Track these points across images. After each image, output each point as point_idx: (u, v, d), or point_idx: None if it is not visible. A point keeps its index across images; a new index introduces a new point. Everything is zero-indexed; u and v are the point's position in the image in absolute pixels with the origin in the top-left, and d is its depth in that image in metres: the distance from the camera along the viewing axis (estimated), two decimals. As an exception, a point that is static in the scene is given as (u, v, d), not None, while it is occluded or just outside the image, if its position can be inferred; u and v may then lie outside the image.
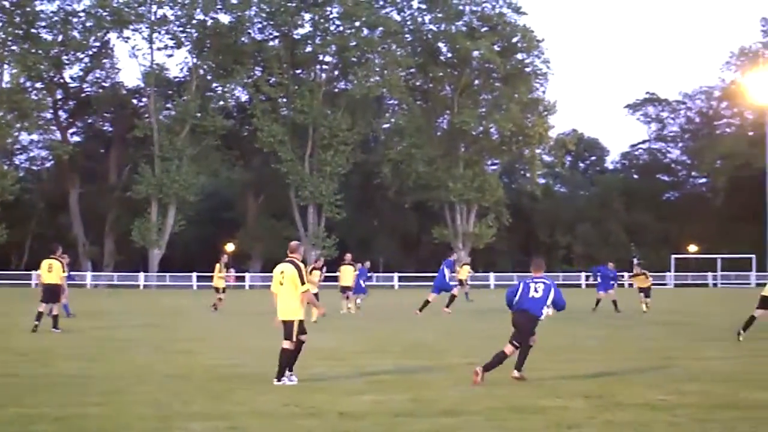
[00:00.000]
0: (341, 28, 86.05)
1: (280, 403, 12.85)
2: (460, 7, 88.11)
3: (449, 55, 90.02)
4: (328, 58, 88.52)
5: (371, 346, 22.33)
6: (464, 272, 48.67)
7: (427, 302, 35.27)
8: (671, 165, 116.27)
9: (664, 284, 77.01)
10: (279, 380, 14.69)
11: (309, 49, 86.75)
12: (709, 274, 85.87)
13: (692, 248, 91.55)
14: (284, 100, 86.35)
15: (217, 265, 38.75)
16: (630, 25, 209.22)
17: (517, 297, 15.32)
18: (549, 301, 15.27)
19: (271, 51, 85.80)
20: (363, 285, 40.10)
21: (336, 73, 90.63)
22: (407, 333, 26.03)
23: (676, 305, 43.93)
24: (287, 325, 14.83)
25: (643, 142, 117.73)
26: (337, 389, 14.33)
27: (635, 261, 58.99)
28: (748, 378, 15.55)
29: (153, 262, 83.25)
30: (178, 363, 18.09)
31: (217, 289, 38.70)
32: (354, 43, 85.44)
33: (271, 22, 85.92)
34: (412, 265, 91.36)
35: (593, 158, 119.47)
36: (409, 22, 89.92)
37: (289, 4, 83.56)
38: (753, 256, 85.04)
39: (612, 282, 37.16)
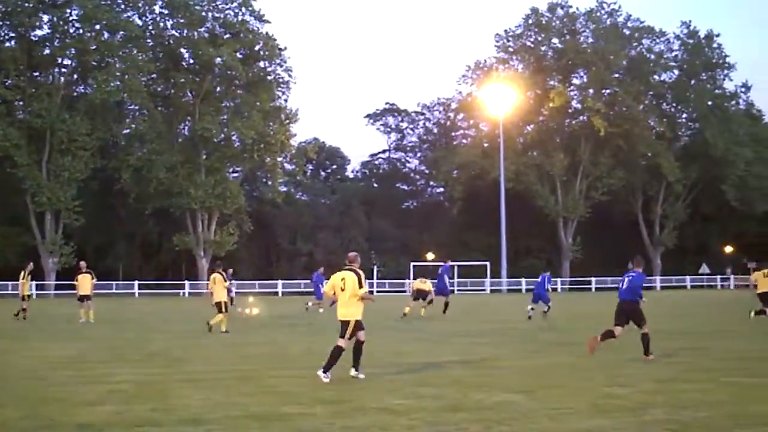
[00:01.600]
0: (81, 31, 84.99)
1: (17, 416, 12.84)
2: (203, 14, 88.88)
3: (191, 61, 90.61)
4: (67, 61, 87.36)
5: (111, 354, 22.34)
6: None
7: (447, 304, 39.81)
8: (410, 174, 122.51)
9: (404, 291, 79.52)
10: (325, 374, 16.56)
11: (47, 51, 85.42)
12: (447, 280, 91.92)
13: (430, 256, 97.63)
14: (20, 103, 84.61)
15: (23, 272, 39.01)
16: (371, 36, 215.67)
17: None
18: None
19: (7, 52, 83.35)
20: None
21: (75, 76, 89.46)
22: (147, 342, 26.18)
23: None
24: (344, 324, 16.96)
25: (384, 151, 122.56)
26: (76, 399, 14.35)
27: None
28: (477, 381, 16.60)
29: None
30: None
31: (23, 297, 38.97)
32: (94, 47, 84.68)
33: (7, 23, 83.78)
34: (153, 273, 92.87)
35: (334, 167, 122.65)
36: (150, 27, 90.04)
37: (27, 5, 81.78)
38: (487, 263, 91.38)
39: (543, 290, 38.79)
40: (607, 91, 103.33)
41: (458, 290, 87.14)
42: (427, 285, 40.65)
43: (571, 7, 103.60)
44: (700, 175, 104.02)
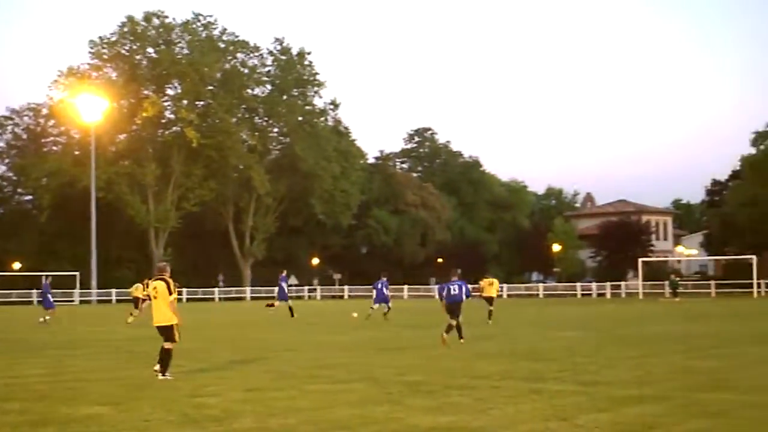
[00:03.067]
0: None
1: None
2: None
3: None
4: None
5: None
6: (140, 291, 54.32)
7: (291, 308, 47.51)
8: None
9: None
10: (164, 375, 18.53)
11: None
12: (34, 291, 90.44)
13: (17, 265, 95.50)
14: None
15: None
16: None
17: (444, 293, 27.89)
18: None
19: None
20: None
21: None
22: None
23: None
24: (161, 329, 18.78)
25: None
26: None
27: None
28: (65, 394, 16.50)
29: None
30: None
31: None
32: None
33: None
34: None
35: None
36: None
37: None
38: (77, 273, 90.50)
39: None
40: (201, 102, 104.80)
41: (37, 300, 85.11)
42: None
43: (167, 17, 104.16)
44: (290, 189, 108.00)
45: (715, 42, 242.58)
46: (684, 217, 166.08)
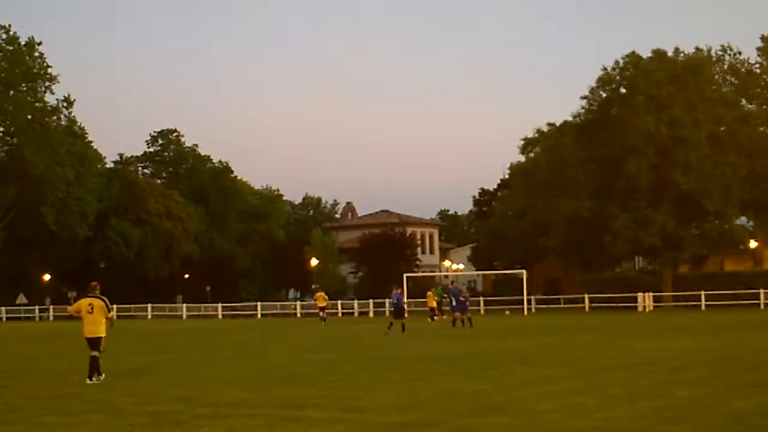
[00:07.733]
0: None
1: None
2: None
3: None
4: None
5: None
6: (321, 299, 68.74)
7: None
8: None
9: None
10: (90, 380, 23.16)
11: None
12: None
13: None
14: None
15: None
16: None
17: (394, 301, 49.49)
18: None
19: None
20: None
21: None
22: None
23: None
24: (95, 340, 23.52)
25: None
26: None
27: None
28: None
29: None
30: None
31: None
32: None
33: None
34: None
35: None
36: None
37: None
38: None
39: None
40: None
41: None
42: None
43: None
44: (19, 196, 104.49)
45: (487, 47, 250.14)
46: (451, 229, 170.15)
